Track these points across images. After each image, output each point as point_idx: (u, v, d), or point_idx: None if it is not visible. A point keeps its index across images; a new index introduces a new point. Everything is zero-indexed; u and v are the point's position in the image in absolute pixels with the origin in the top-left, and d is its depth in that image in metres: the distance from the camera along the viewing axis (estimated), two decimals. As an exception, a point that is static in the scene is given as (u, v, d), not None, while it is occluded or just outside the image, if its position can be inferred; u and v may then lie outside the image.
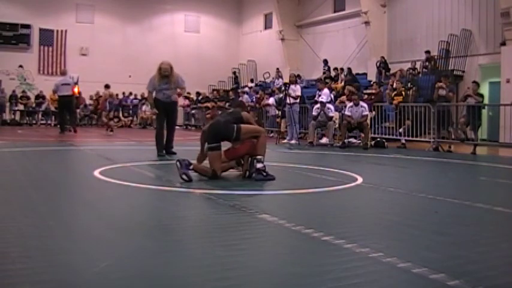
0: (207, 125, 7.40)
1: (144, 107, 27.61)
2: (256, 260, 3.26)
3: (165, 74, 10.35)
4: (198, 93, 29.44)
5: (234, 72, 31.19)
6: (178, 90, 10.72)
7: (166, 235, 3.89)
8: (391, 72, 21.06)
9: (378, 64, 22.29)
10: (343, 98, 17.43)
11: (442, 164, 10.64)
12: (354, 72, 22.59)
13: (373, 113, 16.47)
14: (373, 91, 18.37)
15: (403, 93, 16.64)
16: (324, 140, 16.06)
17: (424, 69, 20.19)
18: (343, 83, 21.10)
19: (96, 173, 7.18)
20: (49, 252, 3.28)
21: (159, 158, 10.13)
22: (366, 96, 17.98)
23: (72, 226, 4.13)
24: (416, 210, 5.12)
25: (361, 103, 15.14)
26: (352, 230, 4.06)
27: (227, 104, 26.00)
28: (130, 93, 29.09)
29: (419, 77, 19.54)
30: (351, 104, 15.22)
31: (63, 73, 18.56)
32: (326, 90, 16.66)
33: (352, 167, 8.92)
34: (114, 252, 3.31)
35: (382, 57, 22.27)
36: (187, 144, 12.69)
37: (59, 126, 18.35)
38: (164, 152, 10.66)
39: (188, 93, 28.59)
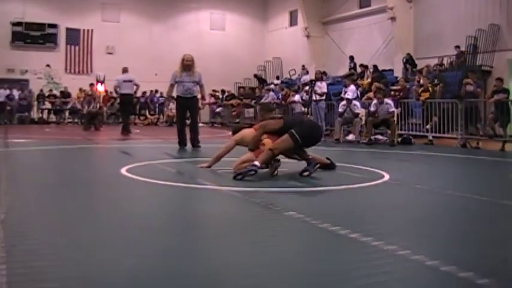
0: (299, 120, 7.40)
1: (169, 105, 27.71)
2: (283, 257, 3.25)
3: (188, 64, 11.20)
4: (223, 91, 29.50)
5: (263, 69, 31.17)
6: (200, 94, 11.78)
7: (192, 233, 3.90)
8: (418, 68, 20.89)
9: (404, 60, 22.11)
10: (370, 94, 17.33)
11: (469, 161, 10.53)
12: (380, 68, 22.42)
13: (399, 109, 16.35)
14: (399, 87, 18.23)
15: (430, 89, 16.49)
16: (351, 137, 16.00)
17: (453, 65, 19.96)
18: (369, 80, 20.97)
19: (123, 170, 7.23)
20: (76, 250, 3.31)
21: (180, 153, 10.63)
22: (392, 92, 17.86)
23: (100, 224, 4.15)
24: (444, 208, 5.07)
25: (386, 100, 15.03)
26: (379, 228, 4.03)
27: (253, 101, 26.01)
28: (156, 91, 29.17)
29: (446, 73, 19.34)
30: (376, 101, 15.13)
31: (125, 70, 17.36)
32: (352, 87, 16.59)
33: (379, 164, 8.87)
34: (140, 250, 3.33)
35: (408, 53, 22.09)
36: (214, 142, 12.71)
37: (122, 126, 17.24)
38: (189, 145, 11.41)
39: (214, 90, 28.71)
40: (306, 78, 23.08)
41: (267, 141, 7.14)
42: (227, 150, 7.65)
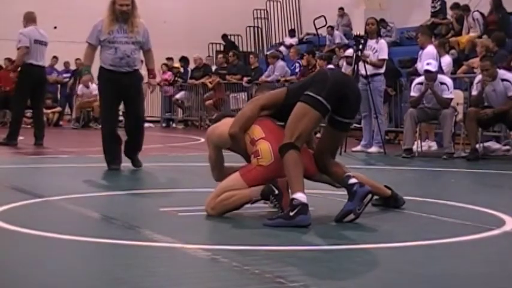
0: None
1: (79, 87, 27.18)
2: None
3: (123, 10, 11.16)
4: (186, 60, 29.25)
5: (263, 17, 31.33)
6: (147, 67, 11.88)
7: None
8: None
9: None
10: (473, 61, 17.35)
11: None
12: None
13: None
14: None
15: None
16: (435, 146, 16.06)
17: None
18: (478, 33, 20.93)
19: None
20: None
21: (112, 171, 10.99)
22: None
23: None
24: None
25: (503, 73, 14.94)
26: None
27: (246, 79, 25.93)
28: (56, 59, 28.83)
29: None
30: (480, 76, 15.08)
31: (32, 19, 16.69)
32: (430, 49, 16.42)
33: (492, 199, 8.91)
34: None
35: None
36: (172, 159, 12.75)
37: (9, 129, 17.07)
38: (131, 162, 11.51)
39: (169, 59, 28.64)
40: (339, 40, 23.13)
41: (256, 131, 7.08)
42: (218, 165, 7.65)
